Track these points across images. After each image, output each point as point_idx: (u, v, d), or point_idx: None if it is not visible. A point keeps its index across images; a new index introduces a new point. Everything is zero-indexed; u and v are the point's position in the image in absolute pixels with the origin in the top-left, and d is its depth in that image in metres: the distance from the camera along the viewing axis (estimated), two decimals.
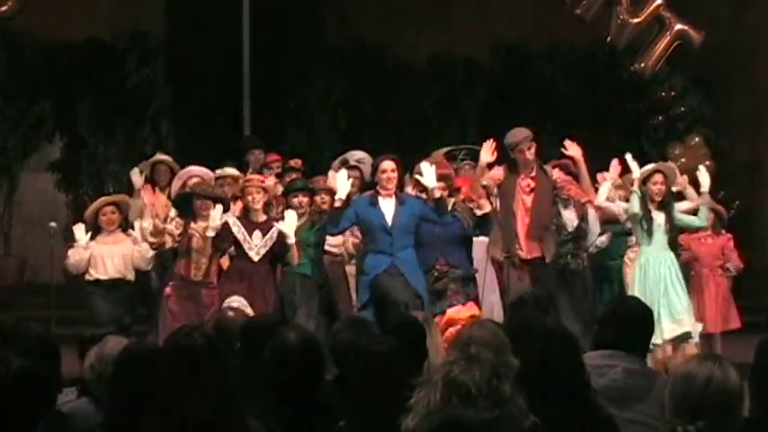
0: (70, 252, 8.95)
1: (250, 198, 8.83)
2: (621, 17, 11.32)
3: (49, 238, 10.10)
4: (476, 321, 5.04)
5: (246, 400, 3.78)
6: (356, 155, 10.51)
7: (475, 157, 9.64)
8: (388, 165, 8.60)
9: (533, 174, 8.78)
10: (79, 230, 8.98)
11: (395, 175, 8.55)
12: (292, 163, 10.69)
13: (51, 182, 13.68)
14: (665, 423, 3.47)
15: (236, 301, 7.08)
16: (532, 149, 8.75)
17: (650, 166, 9.29)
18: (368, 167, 10.59)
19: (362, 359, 3.94)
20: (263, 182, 9.08)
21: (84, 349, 5.50)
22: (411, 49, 14.30)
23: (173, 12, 14.52)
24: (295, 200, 8.95)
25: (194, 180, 9.20)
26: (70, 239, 9.21)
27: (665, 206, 9.04)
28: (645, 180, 9.07)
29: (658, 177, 9.06)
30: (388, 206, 8.48)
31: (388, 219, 8.44)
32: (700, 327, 9.15)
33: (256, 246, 8.72)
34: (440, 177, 8.46)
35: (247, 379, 4.43)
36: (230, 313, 6.37)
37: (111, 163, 13.35)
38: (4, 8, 10.77)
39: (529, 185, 8.78)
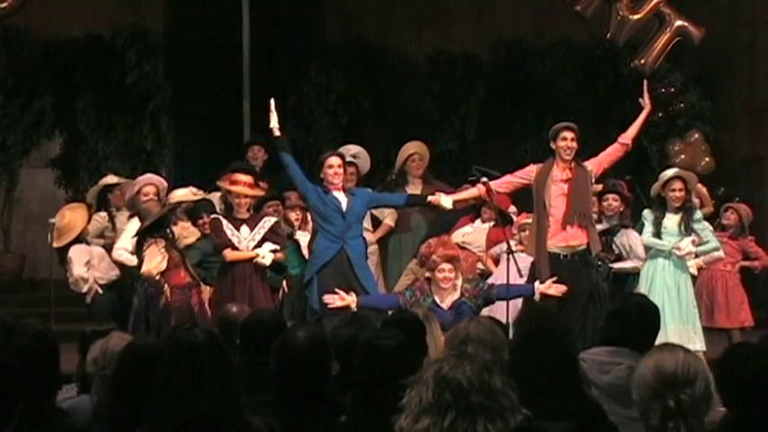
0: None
1: (237, 201, 8.93)
2: (621, 14, 11.28)
3: (48, 235, 10.10)
4: (474, 318, 5.02)
5: (246, 396, 3.77)
6: (352, 149, 10.53)
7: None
8: (334, 160, 8.83)
9: (571, 165, 8.80)
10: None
11: (341, 170, 8.80)
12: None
13: (51, 178, 13.67)
14: (650, 412, 3.43)
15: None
16: (573, 141, 8.78)
17: (669, 172, 9.30)
18: (364, 162, 10.63)
19: (368, 353, 3.93)
20: (249, 185, 9.11)
21: (85, 346, 5.50)
22: (411, 46, 14.30)
23: (172, 8, 14.51)
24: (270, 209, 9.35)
25: (148, 188, 9.23)
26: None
27: (684, 210, 9.05)
28: (663, 186, 9.08)
29: (677, 184, 9.06)
30: (340, 196, 8.73)
31: (343, 205, 8.68)
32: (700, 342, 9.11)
33: (245, 239, 8.80)
34: (447, 259, 7.93)
35: (246, 375, 4.43)
36: (234, 309, 6.38)
37: (110, 159, 13.33)
38: (3, 5, 10.74)
39: (567, 175, 8.78)
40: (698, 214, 9.20)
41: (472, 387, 3.10)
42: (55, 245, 9.54)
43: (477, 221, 10.04)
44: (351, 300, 8.00)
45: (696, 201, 10.17)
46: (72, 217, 9.53)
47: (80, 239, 9.48)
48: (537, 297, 8.17)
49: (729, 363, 3.63)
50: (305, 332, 4.13)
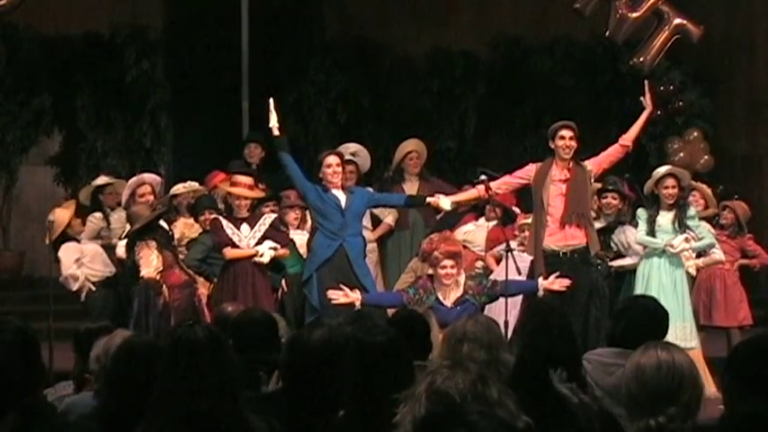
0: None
1: (237, 203, 8.94)
2: (620, 12, 11.28)
3: (47, 233, 10.10)
4: (471, 316, 5.00)
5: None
6: (351, 147, 10.52)
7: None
8: (332, 159, 8.85)
9: (570, 165, 8.81)
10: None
11: (339, 169, 8.84)
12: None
13: (50, 176, 13.66)
14: (635, 422, 3.38)
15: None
16: (571, 140, 8.81)
17: (662, 170, 9.31)
18: (363, 160, 10.62)
19: (361, 349, 3.91)
20: (249, 187, 9.11)
21: (79, 343, 5.49)
22: (410, 44, 14.28)
23: (172, 6, 14.50)
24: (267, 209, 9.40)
25: (143, 188, 9.27)
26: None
27: (677, 208, 9.06)
28: (656, 183, 9.10)
29: (670, 181, 9.07)
30: (339, 194, 8.80)
31: (342, 203, 8.72)
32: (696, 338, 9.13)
33: (246, 237, 8.82)
34: (449, 255, 7.89)
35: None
36: (229, 308, 6.40)
37: (109, 157, 13.32)
38: (2, 2, 10.72)
39: (565, 175, 8.80)
40: (691, 211, 9.19)
41: (465, 400, 2.99)
42: (47, 242, 9.57)
43: (481, 219, 10.01)
44: (355, 297, 7.99)
45: (701, 201, 10.18)
46: (60, 213, 9.55)
47: (68, 235, 9.47)
48: (541, 293, 8.15)
49: (742, 358, 3.59)
50: (320, 331, 4.05)
